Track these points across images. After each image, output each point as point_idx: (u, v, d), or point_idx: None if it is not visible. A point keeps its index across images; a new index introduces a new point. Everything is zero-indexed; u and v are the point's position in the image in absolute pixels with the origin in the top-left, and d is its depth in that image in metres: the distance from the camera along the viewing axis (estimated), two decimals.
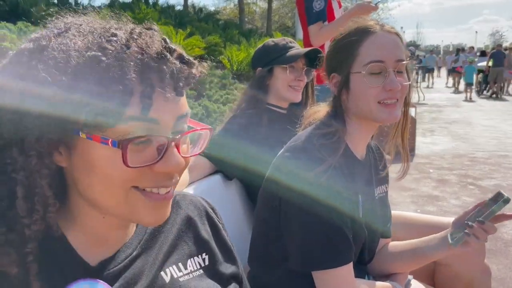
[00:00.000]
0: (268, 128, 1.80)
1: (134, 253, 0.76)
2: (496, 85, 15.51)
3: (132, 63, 0.61)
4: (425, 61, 20.72)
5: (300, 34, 6.81)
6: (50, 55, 0.62)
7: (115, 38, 0.63)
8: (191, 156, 0.71)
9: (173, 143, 0.65)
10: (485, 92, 16.50)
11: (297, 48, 1.96)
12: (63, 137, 0.63)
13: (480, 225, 1.24)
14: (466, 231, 1.26)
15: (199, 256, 0.86)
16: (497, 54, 15.51)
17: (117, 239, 0.76)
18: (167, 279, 0.78)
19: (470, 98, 15.00)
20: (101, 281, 0.70)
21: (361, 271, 1.33)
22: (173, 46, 0.68)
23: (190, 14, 15.19)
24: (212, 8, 30.81)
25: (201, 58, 0.76)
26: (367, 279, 1.32)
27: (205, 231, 0.88)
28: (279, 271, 1.30)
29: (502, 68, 14.66)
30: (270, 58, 1.93)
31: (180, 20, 12.09)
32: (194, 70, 0.68)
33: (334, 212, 1.17)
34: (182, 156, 0.67)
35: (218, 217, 0.94)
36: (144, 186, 0.67)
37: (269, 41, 2.02)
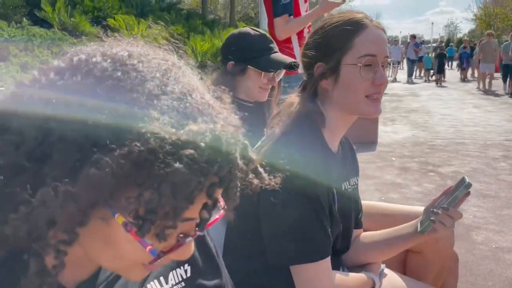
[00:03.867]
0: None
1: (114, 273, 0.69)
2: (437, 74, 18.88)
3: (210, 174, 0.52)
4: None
5: (264, 24, 6.77)
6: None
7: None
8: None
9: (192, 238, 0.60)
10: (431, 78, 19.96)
11: (276, 51, 1.89)
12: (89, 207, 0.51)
13: (445, 211, 1.28)
14: (432, 218, 1.29)
15: (181, 267, 0.79)
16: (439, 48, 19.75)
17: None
18: None
19: (429, 80, 19.34)
20: None
21: (337, 263, 1.35)
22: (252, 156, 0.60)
23: (151, 3, 14.88)
24: None
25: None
26: (342, 271, 1.34)
27: None
28: (255, 265, 1.29)
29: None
30: (247, 56, 1.83)
31: (142, 9, 11.82)
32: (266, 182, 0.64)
33: (313, 206, 1.17)
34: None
35: None
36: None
37: (247, 31, 1.91)
